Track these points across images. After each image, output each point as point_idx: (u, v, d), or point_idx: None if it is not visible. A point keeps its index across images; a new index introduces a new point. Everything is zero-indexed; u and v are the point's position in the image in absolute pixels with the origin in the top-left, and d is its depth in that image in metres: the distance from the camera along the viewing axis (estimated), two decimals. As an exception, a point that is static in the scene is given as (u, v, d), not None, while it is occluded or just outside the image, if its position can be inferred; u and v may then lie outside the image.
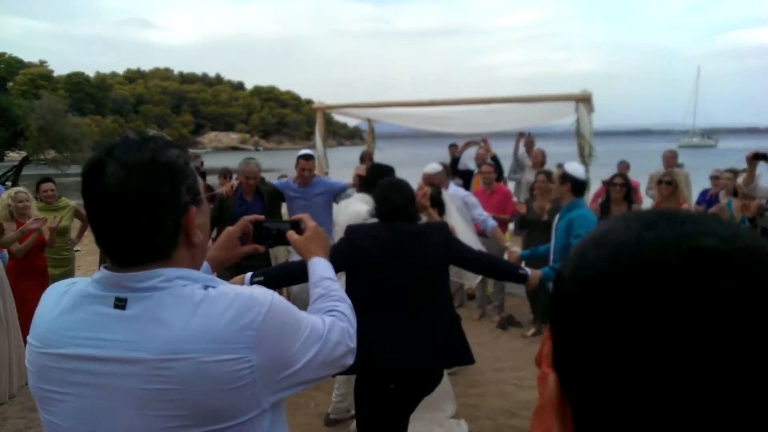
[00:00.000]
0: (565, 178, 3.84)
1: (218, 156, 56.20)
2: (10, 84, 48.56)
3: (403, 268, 2.48)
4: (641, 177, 9.24)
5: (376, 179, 3.32)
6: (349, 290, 2.48)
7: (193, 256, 1.02)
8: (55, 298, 1.00)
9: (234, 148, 78.34)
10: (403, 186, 2.72)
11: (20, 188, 4.96)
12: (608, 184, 5.41)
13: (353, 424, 3.41)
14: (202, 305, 0.92)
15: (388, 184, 2.74)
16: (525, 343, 5.30)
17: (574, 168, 3.90)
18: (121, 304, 0.92)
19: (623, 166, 7.77)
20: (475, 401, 4.16)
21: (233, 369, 0.90)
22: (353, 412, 3.83)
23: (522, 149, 7.47)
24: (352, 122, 8.35)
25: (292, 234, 1.38)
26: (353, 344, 1.14)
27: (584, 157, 6.50)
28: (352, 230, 2.60)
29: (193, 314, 0.91)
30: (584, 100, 6.45)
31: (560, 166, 4.37)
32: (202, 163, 5.77)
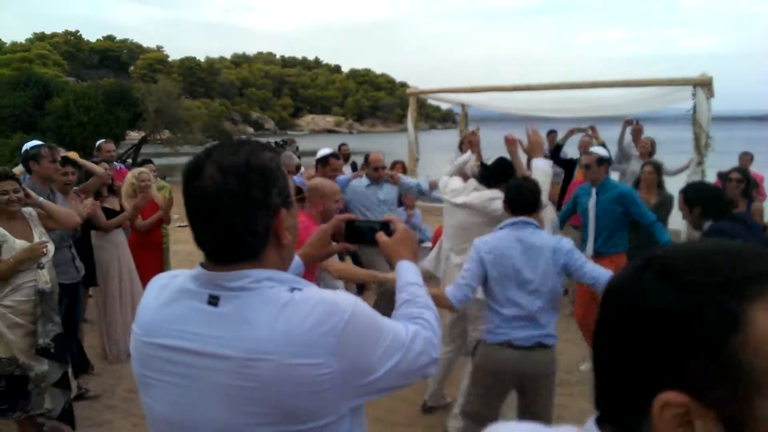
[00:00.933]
0: (602, 161, 4.19)
1: (314, 138, 57.94)
2: (131, 68, 52.90)
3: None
4: (763, 171, 8.34)
5: (498, 174, 3.32)
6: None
7: (281, 257, 1.04)
8: (157, 290, 1.06)
9: (329, 131, 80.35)
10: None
11: (143, 169, 5.39)
12: (724, 179, 4.92)
13: (455, 409, 3.42)
14: (286, 309, 0.95)
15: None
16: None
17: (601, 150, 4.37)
18: (214, 301, 0.97)
19: (746, 159, 7.00)
20: (562, 401, 3.99)
21: (313, 373, 0.92)
22: (449, 399, 3.81)
23: (628, 137, 6.96)
24: (445, 105, 8.20)
25: (381, 235, 1.36)
26: (436, 354, 1.12)
27: (700, 147, 5.96)
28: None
29: (278, 317, 0.94)
30: (703, 85, 5.89)
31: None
32: (297, 148, 5.93)
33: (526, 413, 2.83)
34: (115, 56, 44.86)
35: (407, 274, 1.29)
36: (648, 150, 6.50)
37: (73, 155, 4.24)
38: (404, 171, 7.27)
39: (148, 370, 1.02)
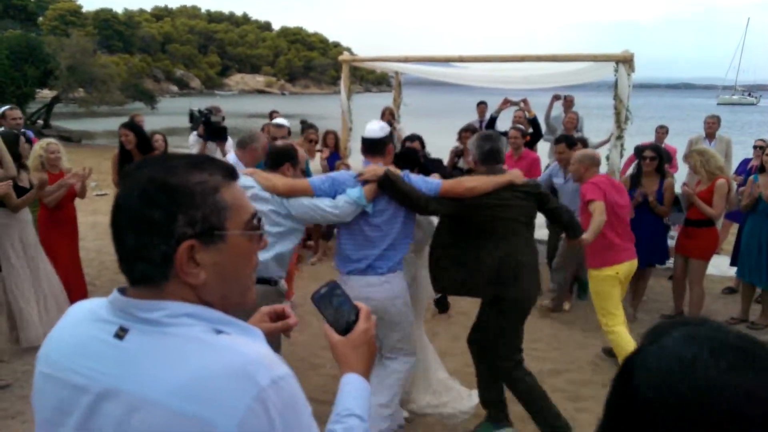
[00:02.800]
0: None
1: (244, 99, 55.93)
2: (41, 19, 48.48)
3: None
4: (679, 139, 8.87)
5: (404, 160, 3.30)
6: None
7: (198, 295, 0.90)
8: (71, 315, 0.98)
9: (260, 91, 77.77)
10: None
11: (52, 140, 5.00)
12: (638, 157, 5.18)
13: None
14: (199, 352, 0.83)
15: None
16: (543, 317, 5.27)
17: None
18: (121, 334, 0.87)
19: (661, 133, 7.41)
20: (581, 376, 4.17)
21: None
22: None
23: (559, 110, 7.17)
24: (380, 68, 8.13)
25: (329, 331, 1.11)
26: None
27: (620, 122, 6.21)
28: None
29: (186, 360, 0.82)
30: (625, 61, 6.10)
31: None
32: (223, 118, 5.65)
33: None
34: (20, 5, 40.87)
35: (350, 396, 1.06)
36: (573, 125, 6.74)
37: None
38: (336, 141, 7.17)
39: (41, 405, 0.91)
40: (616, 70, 6.24)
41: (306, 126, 6.93)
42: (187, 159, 0.92)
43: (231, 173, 0.93)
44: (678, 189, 5.32)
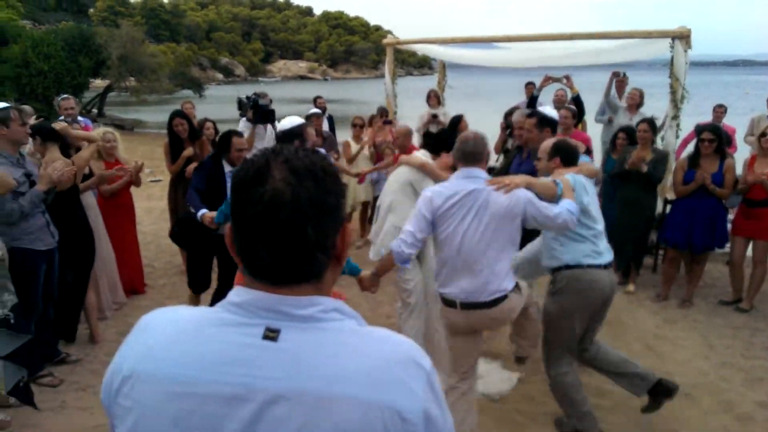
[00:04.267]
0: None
1: (287, 85, 56.49)
2: (91, 11, 50.11)
3: None
4: (739, 119, 8.45)
5: (446, 140, 3.32)
6: None
7: (334, 281, 0.91)
8: (159, 327, 0.87)
9: (302, 77, 78.28)
10: None
11: (108, 129, 5.20)
12: (697, 139, 4.99)
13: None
14: (363, 343, 0.83)
15: None
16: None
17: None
18: (272, 335, 0.80)
19: (719, 112, 7.06)
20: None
21: (399, 426, 0.78)
22: None
23: (613, 90, 6.91)
24: (421, 50, 8.05)
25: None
26: None
27: (676, 101, 5.98)
28: None
29: (354, 351, 0.81)
30: (682, 37, 5.85)
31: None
32: (271, 101, 5.76)
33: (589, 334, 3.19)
34: (72, -2, 42.53)
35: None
36: (636, 101, 6.49)
37: (62, 127, 3.97)
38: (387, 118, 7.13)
39: (172, 427, 0.79)
40: (672, 47, 5.99)
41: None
42: (309, 148, 0.91)
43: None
44: (739, 170, 5.09)
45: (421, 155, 3.65)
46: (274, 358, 0.79)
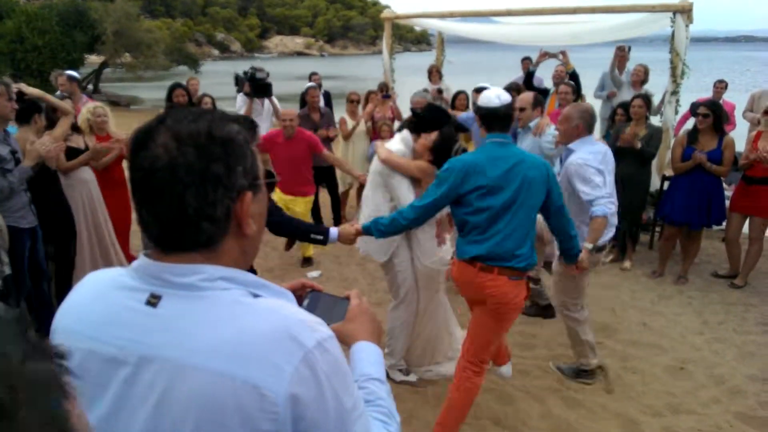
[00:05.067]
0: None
1: (283, 62, 55.84)
2: (85, -15, 49.37)
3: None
4: (740, 96, 8.39)
5: (430, 120, 3.16)
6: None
7: (243, 250, 0.88)
8: (87, 286, 0.91)
9: (299, 53, 77.40)
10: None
11: (98, 104, 5.16)
12: (693, 113, 4.96)
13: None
14: (239, 316, 0.80)
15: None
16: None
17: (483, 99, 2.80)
18: (153, 301, 0.82)
19: (720, 88, 7.01)
20: (532, 330, 4.20)
21: (253, 404, 0.75)
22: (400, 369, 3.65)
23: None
24: (419, 26, 7.94)
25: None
26: None
27: (676, 76, 5.94)
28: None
29: (227, 324, 0.79)
30: (683, 11, 5.78)
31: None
32: (267, 74, 5.72)
33: None
34: (65, -29, 41.92)
35: (364, 363, 1.03)
36: (641, 78, 6.45)
37: (30, 90, 3.93)
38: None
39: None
40: (673, 21, 5.93)
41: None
42: (215, 112, 0.87)
43: (252, 124, 0.91)
44: (740, 146, 5.07)
45: (397, 141, 3.32)
46: (150, 324, 0.81)
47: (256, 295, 0.84)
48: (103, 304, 0.85)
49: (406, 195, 3.14)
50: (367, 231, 2.82)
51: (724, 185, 5.21)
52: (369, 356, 1.04)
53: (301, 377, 0.76)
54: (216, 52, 64.68)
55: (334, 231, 2.83)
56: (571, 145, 3.41)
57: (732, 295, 4.89)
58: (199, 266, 0.82)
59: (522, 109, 4.19)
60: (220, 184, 0.81)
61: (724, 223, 5.19)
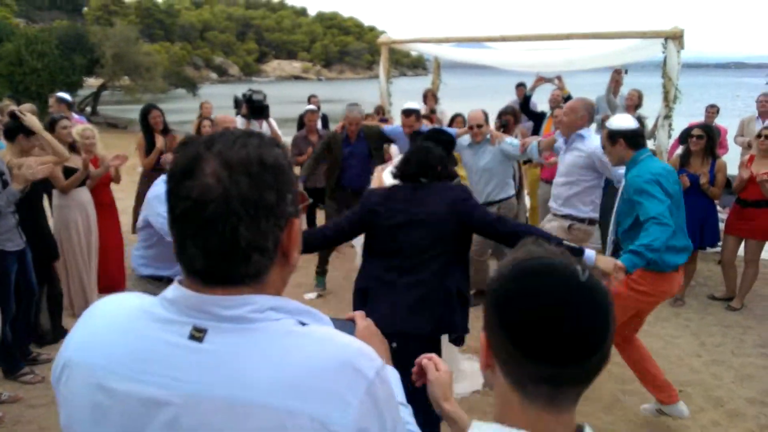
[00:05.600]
0: (613, 135, 3.12)
1: (281, 85, 56.38)
2: (85, 9, 49.88)
3: (409, 224, 2.49)
4: (730, 121, 8.52)
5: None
6: (367, 249, 2.63)
7: (284, 279, 0.84)
8: (105, 317, 0.83)
9: (296, 77, 78.20)
10: (428, 150, 2.71)
11: (88, 125, 5.22)
12: (686, 136, 5.03)
13: None
14: (297, 346, 0.75)
15: (416, 149, 2.77)
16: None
17: (621, 121, 3.19)
18: (198, 335, 0.75)
19: (711, 112, 7.13)
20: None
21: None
22: None
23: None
24: (415, 51, 8.07)
25: None
26: None
27: (668, 101, 6.02)
28: (367, 193, 2.74)
29: (285, 356, 0.74)
30: (674, 38, 5.89)
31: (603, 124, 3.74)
32: (265, 96, 5.79)
33: None
34: (66, -4, 42.45)
35: None
36: (635, 102, 6.56)
37: (29, 122, 3.88)
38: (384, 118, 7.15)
39: (91, 421, 0.76)
40: (665, 47, 6.04)
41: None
42: (260, 135, 0.82)
43: (283, 147, 0.86)
44: (731, 170, 5.14)
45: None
46: (195, 360, 0.74)
47: (303, 323, 0.80)
48: (134, 337, 0.77)
49: None
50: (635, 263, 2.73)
51: (718, 208, 5.26)
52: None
53: (366, 410, 0.74)
54: (214, 75, 65.30)
55: None
56: (582, 132, 3.86)
57: (729, 317, 4.89)
58: (250, 297, 0.77)
59: (480, 126, 4.61)
60: (272, 214, 0.77)
61: (720, 246, 5.22)
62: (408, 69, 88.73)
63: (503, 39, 6.77)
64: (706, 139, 4.82)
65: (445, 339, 3.64)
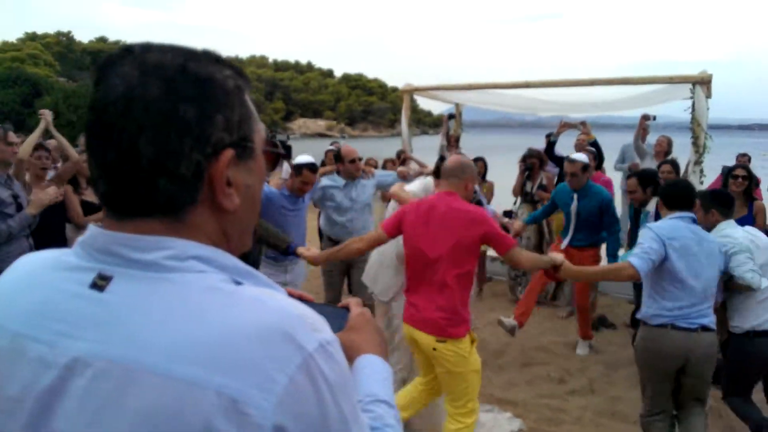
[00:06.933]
0: (586, 168, 3.65)
1: (306, 142, 57.91)
2: (123, 70, 52.73)
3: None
4: (759, 173, 8.29)
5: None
6: None
7: (222, 230, 0.67)
8: (16, 268, 0.71)
9: (321, 135, 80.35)
10: None
11: None
12: (727, 176, 4.84)
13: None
14: (218, 307, 0.59)
15: None
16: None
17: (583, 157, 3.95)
18: (101, 283, 0.61)
19: (743, 160, 6.94)
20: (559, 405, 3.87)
21: (232, 424, 0.54)
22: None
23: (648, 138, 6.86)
24: (437, 110, 8.19)
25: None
26: None
27: (699, 146, 5.86)
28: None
29: (201, 316, 0.58)
30: (703, 83, 5.79)
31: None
32: (288, 137, 5.87)
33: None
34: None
35: (370, 380, 0.84)
36: (664, 149, 6.44)
37: (56, 135, 4.01)
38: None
39: None
40: (693, 93, 5.94)
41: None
42: (202, 49, 0.68)
43: (245, 76, 0.72)
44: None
45: (417, 183, 3.79)
46: (91, 313, 0.60)
47: (238, 283, 0.63)
48: (37, 290, 0.65)
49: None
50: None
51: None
52: (377, 372, 0.86)
53: (297, 391, 0.56)
54: (241, 132, 67.71)
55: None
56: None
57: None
58: (166, 239, 0.62)
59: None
60: (188, 133, 0.61)
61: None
62: (429, 128, 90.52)
63: (527, 85, 6.75)
64: (748, 180, 4.64)
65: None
